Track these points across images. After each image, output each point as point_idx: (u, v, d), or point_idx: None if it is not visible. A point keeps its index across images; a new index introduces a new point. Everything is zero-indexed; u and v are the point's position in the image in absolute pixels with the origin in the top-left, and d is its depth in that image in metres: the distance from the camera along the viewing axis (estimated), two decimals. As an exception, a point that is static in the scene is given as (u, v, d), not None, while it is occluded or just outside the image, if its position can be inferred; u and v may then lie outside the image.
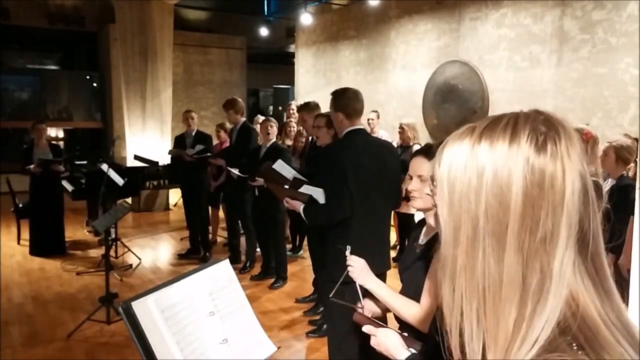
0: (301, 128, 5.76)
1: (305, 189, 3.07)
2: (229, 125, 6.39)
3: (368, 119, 6.43)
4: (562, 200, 0.59)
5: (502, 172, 0.60)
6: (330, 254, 2.91)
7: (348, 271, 1.90)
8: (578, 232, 0.59)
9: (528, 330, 0.58)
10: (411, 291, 1.81)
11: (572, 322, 0.58)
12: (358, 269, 1.88)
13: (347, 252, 1.91)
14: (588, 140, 3.11)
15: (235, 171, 5.28)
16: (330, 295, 1.95)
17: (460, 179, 0.63)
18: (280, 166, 3.85)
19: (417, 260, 1.84)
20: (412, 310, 1.76)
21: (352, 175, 2.80)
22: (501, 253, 0.60)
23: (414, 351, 1.52)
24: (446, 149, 0.67)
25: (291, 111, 6.67)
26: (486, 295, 0.60)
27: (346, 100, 2.99)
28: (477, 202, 0.61)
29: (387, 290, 1.87)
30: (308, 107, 4.73)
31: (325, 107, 4.58)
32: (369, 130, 6.23)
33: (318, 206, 2.97)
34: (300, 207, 3.02)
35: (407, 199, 1.93)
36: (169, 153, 6.68)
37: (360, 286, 1.88)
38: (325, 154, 3.15)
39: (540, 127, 0.62)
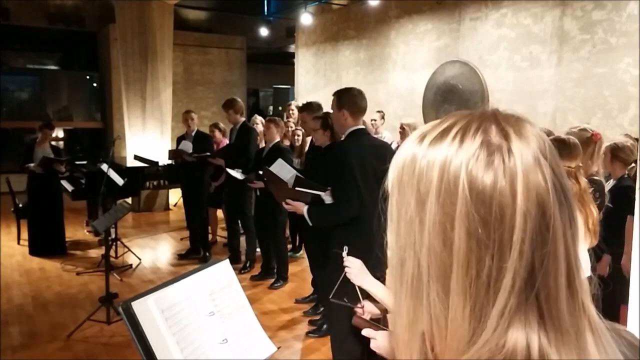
0: (300, 127, 5.76)
1: (305, 187, 3.08)
2: (223, 125, 6.39)
3: (372, 120, 6.42)
4: (510, 238, 0.50)
5: (445, 202, 0.52)
6: (333, 255, 2.91)
7: (345, 272, 1.90)
8: (526, 275, 0.51)
9: None
10: None
11: None
12: (355, 269, 1.88)
13: (344, 253, 1.91)
14: (597, 141, 3.08)
15: (237, 173, 5.27)
16: (330, 297, 1.96)
17: (405, 202, 0.56)
18: (280, 166, 3.84)
19: None
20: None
21: (359, 174, 2.81)
22: (446, 299, 0.53)
23: None
24: (396, 159, 0.59)
25: (291, 111, 6.67)
26: (435, 343, 0.55)
27: (352, 98, 3.00)
28: (420, 237, 0.54)
29: (382, 288, 1.87)
30: (310, 108, 4.72)
31: (325, 106, 4.58)
32: (372, 131, 6.25)
33: (325, 206, 2.96)
34: (303, 208, 3.01)
35: None
36: (169, 157, 6.69)
37: (359, 287, 1.88)
38: (333, 154, 3.15)
39: (492, 138, 0.53)
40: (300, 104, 5.63)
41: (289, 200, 3.12)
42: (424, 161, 0.55)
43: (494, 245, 0.51)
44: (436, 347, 0.55)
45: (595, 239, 2.43)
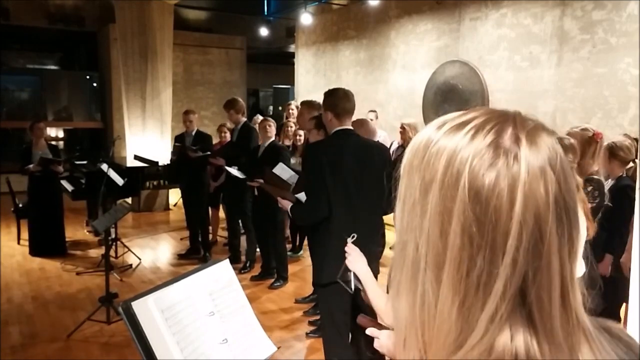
0: (299, 126, 5.79)
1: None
2: (229, 125, 6.39)
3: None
4: (503, 243, 0.50)
5: (446, 193, 0.53)
6: (314, 254, 3.06)
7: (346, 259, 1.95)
8: (519, 283, 0.51)
9: None
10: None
11: None
12: (352, 256, 1.93)
13: (349, 240, 1.97)
14: (599, 141, 3.09)
15: (235, 172, 5.28)
16: (338, 277, 2.00)
17: (412, 185, 0.56)
18: (280, 169, 3.88)
19: None
20: (379, 302, 1.79)
21: (330, 175, 2.83)
22: (438, 291, 0.53)
23: None
24: (414, 141, 0.59)
25: (290, 111, 6.67)
26: (425, 330, 0.55)
27: (335, 100, 3.01)
28: (421, 222, 0.55)
29: (372, 281, 1.90)
30: (310, 104, 4.76)
31: (325, 107, 4.60)
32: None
33: (301, 205, 3.07)
34: (288, 206, 3.14)
35: None
36: (172, 155, 6.69)
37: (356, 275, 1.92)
38: (305, 153, 3.22)
39: (503, 140, 0.53)
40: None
41: (279, 198, 3.25)
42: (434, 148, 0.55)
43: (486, 246, 0.51)
44: (425, 335, 0.56)
45: (591, 229, 2.44)
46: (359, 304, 1.88)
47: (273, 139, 5.18)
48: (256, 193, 5.17)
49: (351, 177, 2.88)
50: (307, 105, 4.75)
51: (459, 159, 0.53)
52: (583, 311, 0.56)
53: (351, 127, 3.07)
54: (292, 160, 5.32)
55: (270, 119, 5.36)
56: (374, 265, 2.98)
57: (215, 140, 6.53)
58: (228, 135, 6.53)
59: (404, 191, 0.59)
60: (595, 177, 2.96)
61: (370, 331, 1.66)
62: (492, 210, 0.51)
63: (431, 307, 0.54)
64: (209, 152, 5.94)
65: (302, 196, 3.07)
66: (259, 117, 6.86)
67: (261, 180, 4.77)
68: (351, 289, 1.92)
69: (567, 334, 0.53)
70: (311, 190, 2.94)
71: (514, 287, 0.51)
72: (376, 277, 2.59)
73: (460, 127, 0.55)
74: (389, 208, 3.26)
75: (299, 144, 5.82)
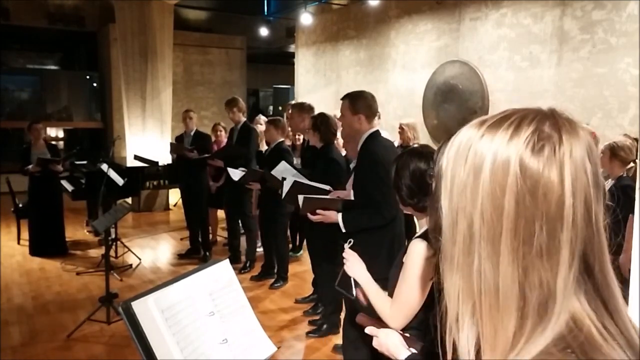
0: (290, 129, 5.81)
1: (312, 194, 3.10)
2: (224, 124, 6.40)
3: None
4: (560, 213, 0.55)
5: (497, 173, 0.57)
6: (370, 255, 2.96)
7: (344, 265, 1.94)
8: (581, 250, 0.56)
9: (527, 345, 0.56)
10: (391, 288, 1.83)
11: (569, 336, 0.55)
12: (350, 262, 1.92)
13: (347, 245, 1.97)
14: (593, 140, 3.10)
15: (235, 173, 5.27)
16: (335, 284, 2.00)
17: (459, 173, 0.61)
18: (282, 168, 3.86)
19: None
20: (384, 307, 1.79)
21: (387, 175, 2.84)
22: (496, 260, 0.57)
23: (414, 351, 1.53)
24: (453, 140, 0.64)
25: (290, 111, 6.67)
26: (482, 299, 0.58)
27: (366, 102, 3.03)
28: (473, 202, 0.58)
29: (374, 285, 1.89)
30: (301, 107, 4.79)
31: (325, 106, 4.61)
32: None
33: (362, 211, 2.94)
34: (336, 216, 2.98)
35: None
36: (170, 151, 6.69)
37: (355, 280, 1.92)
38: (366, 156, 3.12)
39: (545, 128, 0.58)
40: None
41: (319, 210, 3.06)
42: (478, 143, 0.60)
43: (542, 216, 0.55)
44: (483, 308, 0.58)
45: None
46: (357, 310, 1.88)
47: (280, 140, 5.16)
48: (257, 194, 5.18)
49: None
50: (298, 108, 4.77)
51: (507, 147, 0.57)
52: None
53: (378, 129, 3.10)
54: (294, 161, 5.32)
55: (278, 118, 5.38)
56: None
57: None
58: (223, 134, 6.54)
59: (450, 179, 0.62)
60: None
61: (369, 330, 1.66)
62: (543, 186, 0.55)
63: (488, 280, 0.57)
64: (206, 155, 5.93)
65: (347, 196, 3.00)
66: (261, 117, 6.85)
67: (258, 185, 4.79)
68: (352, 294, 1.91)
69: (622, 299, 0.58)
70: (381, 191, 2.83)
71: (578, 255, 0.56)
72: None
73: (501, 122, 0.60)
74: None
75: (298, 143, 5.82)
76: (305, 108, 4.75)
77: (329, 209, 3.04)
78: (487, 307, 0.58)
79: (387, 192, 2.82)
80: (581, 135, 0.58)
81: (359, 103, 3.01)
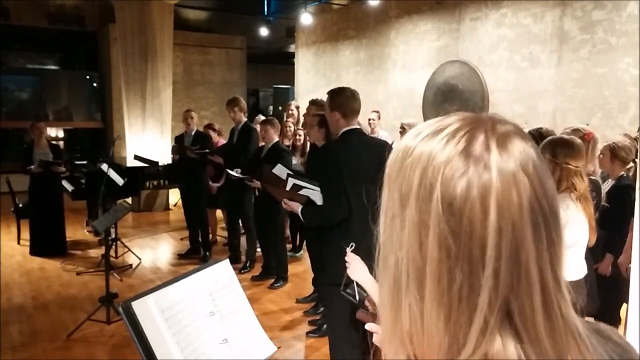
0: (301, 128, 5.80)
1: (305, 191, 3.07)
2: (218, 125, 6.41)
3: (369, 119, 6.44)
4: (481, 256, 0.50)
5: (421, 208, 0.52)
6: (329, 256, 2.91)
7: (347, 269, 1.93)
8: (504, 296, 0.50)
9: None
10: None
11: None
12: (353, 266, 1.92)
13: (348, 249, 1.95)
14: (589, 140, 3.11)
15: (235, 173, 5.28)
16: (341, 289, 1.98)
17: (391, 199, 0.56)
18: (279, 170, 3.85)
19: None
20: None
21: (349, 175, 2.80)
22: (422, 306, 0.53)
23: None
24: (390, 156, 0.59)
25: (290, 111, 6.67)
26: (412, 337, 0.55)
27: (343, 100, 2.97)
28: (400, 237, 0.54)
29: (377, 288, 1.88)
30: (317, 103, 4.77)
31: (325, 107, 4.60)
32: (369, 130, 6.26)
33: (316, 207, 2.96)
34: (298, 208, 3.02)
35: None
36: (172, 152, 6.70)
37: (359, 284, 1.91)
38: (321, 154, 3.14)
39: (476, 147, 0.51)
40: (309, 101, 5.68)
41: (285, 200, 3.13)
42: (409, 159, 0.54)
43: (463, 258, 0.50)
44: (416, 350, 0.55)
45: (594, 236, 2.46)
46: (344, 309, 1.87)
47: (276, 140, 5.17)
48: (257, 193, 5.17)
49: (368, 177, 2.85)
50: (319, 104, 4.75)
51: (432, 169, 0.52)
52: (573, 314, 0.55)
53: (358, 127, 3.06)
54: (294, 161, 5.32)
55: (272, 118, 5.36)
56: None
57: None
58: (215, 134, 6.58)
59: (385, 203, 0.58)
60: (592, 177, 2.97)
61: (369, 326, 1.66)
62: (466, 221, 0.50)
63: (418, 322, 0.54)
64: (207, 150, 5.93)
65: (315, 197, 3.00)
66: (261, 117, 6.85)
67: (258, 183, 4.78)
68: (356, 299, 1.90)
69: (553, 341, 0.52)
70: (329, 191, 2.86)
71: (501, 298, 0.50)
72: None
73: (434, 135, 0.54)
74: None
75: (298, 143, 5.82)
76: (322, 104, 4.75)
77: (294, 200, 3.08)
78: (419, 355, 0.55)
79: (338, 192, 2.80)
80: (513, 152, 0.51)
81: (336, 100, 2.98)
